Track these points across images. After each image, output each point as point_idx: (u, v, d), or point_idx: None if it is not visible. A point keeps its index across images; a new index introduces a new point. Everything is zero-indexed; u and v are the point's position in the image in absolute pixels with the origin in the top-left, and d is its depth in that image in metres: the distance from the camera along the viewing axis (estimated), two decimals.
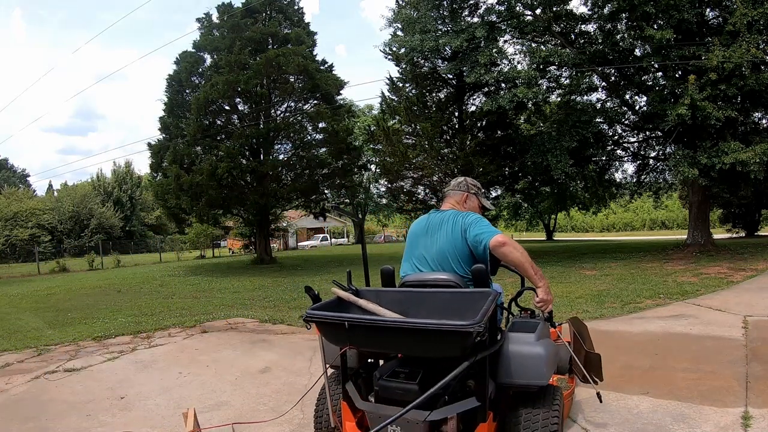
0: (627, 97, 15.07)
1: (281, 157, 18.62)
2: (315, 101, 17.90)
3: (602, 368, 2.79)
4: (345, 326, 1.93)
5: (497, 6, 14.06)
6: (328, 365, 2.29)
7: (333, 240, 43.55)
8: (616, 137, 16.29)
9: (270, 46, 17.01)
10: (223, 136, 17.07)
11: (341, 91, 18.75)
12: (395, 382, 2.02)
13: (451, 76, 16.25)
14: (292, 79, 17.12)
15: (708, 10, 12.20)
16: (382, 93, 18.22)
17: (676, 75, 12.38)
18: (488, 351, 1.96)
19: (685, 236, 14.61)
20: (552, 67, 14.09)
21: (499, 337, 2.15)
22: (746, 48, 10.27)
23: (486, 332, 1.81)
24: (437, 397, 1.90)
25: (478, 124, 17.20)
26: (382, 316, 2.06)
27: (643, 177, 17.15)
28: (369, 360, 2.39)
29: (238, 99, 17.10)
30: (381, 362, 2.39)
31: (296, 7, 18.83)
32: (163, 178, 17.17)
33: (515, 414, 2.09)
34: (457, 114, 17.16)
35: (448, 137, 17.11)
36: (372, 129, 19.48)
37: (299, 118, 18.03)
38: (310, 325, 2.06)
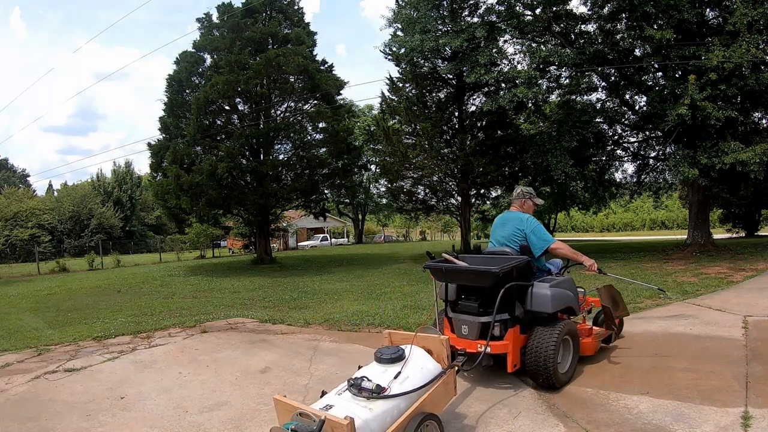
0: (627, 97, 15.06)
1: (281, 157, 18.59)
2: (315, 101, 17.87)
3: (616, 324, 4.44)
4: (443, 270, 3.69)
5: (497, 6, 14.06)
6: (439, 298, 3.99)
7: (333, 240, 43.51)
8: (616, 137, 16.28)
9: (270, 46, 17.00)
10: (223, 136, 17.06)
11: (341, 91, 18.72)
12: (466, 302, 3.75)
13: (451, 76, 16.26)
14: (292, 79, 17.09)
15: (708, 10, 12.19)
16: (382, 93, 18.25)
17: (676, 75, 12.37)
18: (508, 285, 3.42)
19: (685, 236, 14.61)
20: (552, 67, 14.09)
21: (531, 283, 3.67)
22: (746, 48, 10.26)
23: (502, 274, 3.39)
24: (488, 311, 3.50)
25: (478, 124, 17.20)
26: (461, 265, 3.69)
27: (643, 177, 17.13)
28: (462, 296, 3.85)
29: (238, 99, 17.07)
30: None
31: (296, 7, 18.80)
32: (163, 178, 17.14)
33: (533, 330, 3.59)
34: (457, 114, 17.17)
35: (448, 137, 17.11)
36: (372, 129, 19.53)
37: (299, 118, 18.00)
38: (425, 270, 3.88)
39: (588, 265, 3.95)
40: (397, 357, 2.76)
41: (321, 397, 2.64)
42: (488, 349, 3.38)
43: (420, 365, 2.81)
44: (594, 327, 4.42)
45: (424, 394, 2.67)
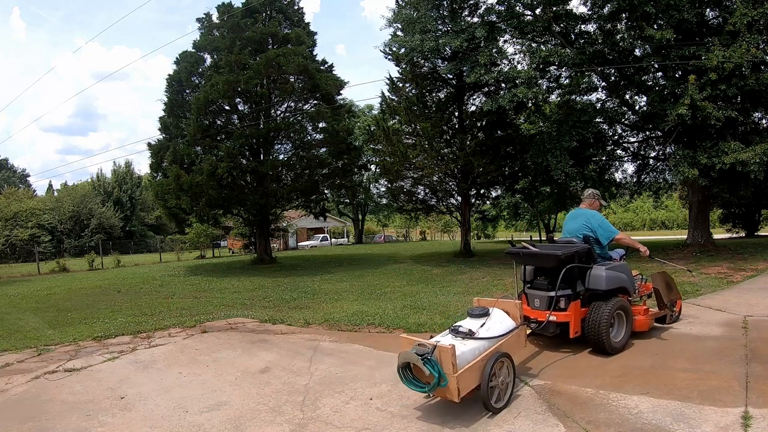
0: (627, 97, 15.06)
1: (281, 157, 18.55)
2: (315, 101, 17.84)
3: (665, 300, 5.00)
4: (520, 254, 4.56)
5: (497, 6, 14.05)
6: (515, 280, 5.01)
7: (333, 240, 43.49)
8: (616, 137, 16.27)
9: (270, 46, 16.98)
10: (223, 136, 17.04)
11: (341, 91, 18.70)
12: (538, 280, 4.54)
13: (451, 76, 16.24)
14: (292, 79, 17.08)
15: (708, 10, 12.19)
16: (382, 93, 18.22)
17: (676, 75, 12.37)
18: (568, 266, 4.23)
19: (685, 236, 14.60)
20: (552, 67, 14.08)
21: (590, 265, 4.45)
22: (746, 48, 10.26)
23: (565, 257, 4.21)
24: (555, 287, 4.23)
25: (478, 124, 17.18)
26: (533, 250, 4.49)
27: (643, 177, 17.12)
28: (538, 277, 4.60)
29: (238, 99, 17.05)
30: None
31: (296, 7, 18.79)
32: (163, 178, 17.12)
33: (590, 305, 4.34)
34: (457, 114, 17.15)
35: (448, 137, 17.09)
36: (372, 129, 19.48)
37: (299, 118, 17.98)
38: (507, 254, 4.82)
39: (642, 251, 4.81)
40: (483, 313, 3.80)
41: (429, 338, 3.49)
42: (553, 318, 4.24)
43: (499, 320, 3.82)
44: (651, 309, 4.93)
45: (502, 340, 3.64)
